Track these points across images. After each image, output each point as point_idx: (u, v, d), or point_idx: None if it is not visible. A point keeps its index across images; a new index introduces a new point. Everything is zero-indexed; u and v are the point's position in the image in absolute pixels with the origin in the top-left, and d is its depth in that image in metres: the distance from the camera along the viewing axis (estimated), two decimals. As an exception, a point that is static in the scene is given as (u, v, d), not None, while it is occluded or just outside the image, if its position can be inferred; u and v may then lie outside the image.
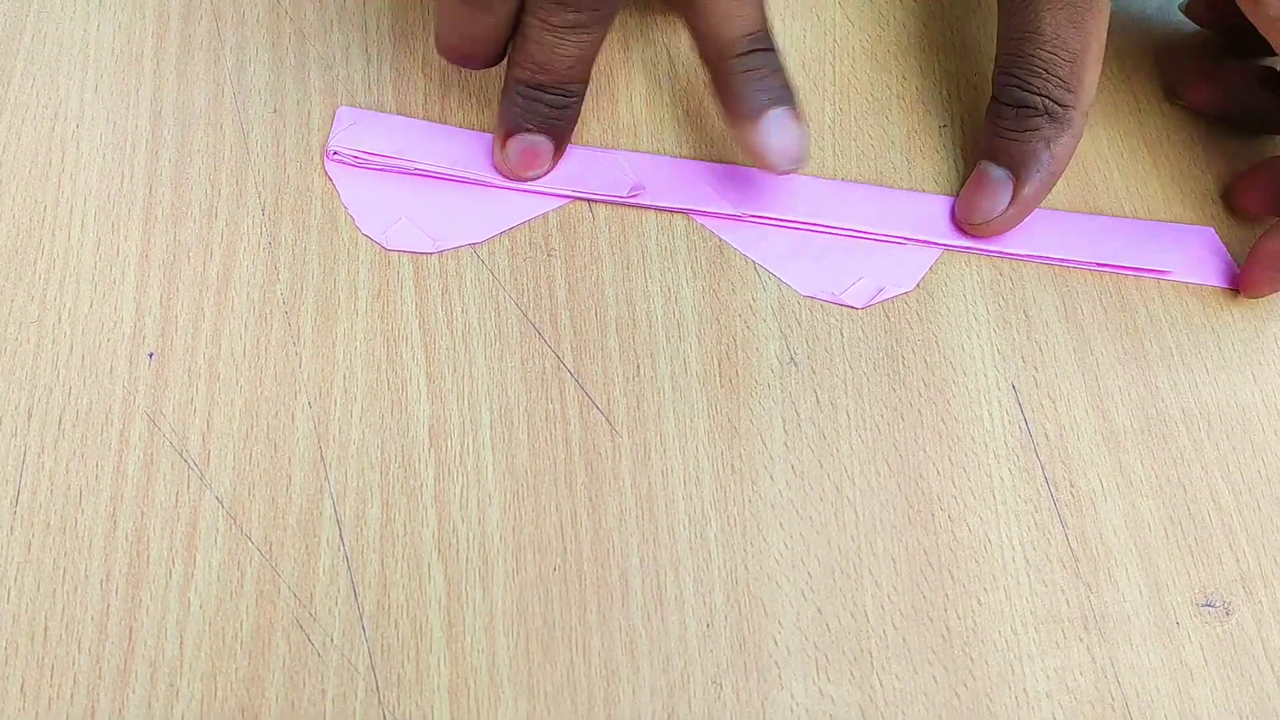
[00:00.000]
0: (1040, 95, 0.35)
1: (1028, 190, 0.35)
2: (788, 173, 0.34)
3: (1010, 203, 0.35)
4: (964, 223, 0.36)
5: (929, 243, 0.36)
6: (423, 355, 0.34)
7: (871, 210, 0.37)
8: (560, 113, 0.35)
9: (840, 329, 0.35)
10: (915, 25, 0.40)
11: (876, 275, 0.36)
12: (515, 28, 0.33)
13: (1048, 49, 0.34)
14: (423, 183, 0.36)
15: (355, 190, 0.36)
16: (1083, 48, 0.34)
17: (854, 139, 0.38)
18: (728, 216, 0.36)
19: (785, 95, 0.34)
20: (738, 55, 0.34)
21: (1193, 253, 0.37)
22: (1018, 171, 0.35)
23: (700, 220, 0.36)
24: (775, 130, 0.34)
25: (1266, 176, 0.37)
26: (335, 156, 0.36)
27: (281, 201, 0.35)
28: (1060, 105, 0.35)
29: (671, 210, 0.36)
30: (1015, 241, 0.36)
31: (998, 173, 0.36)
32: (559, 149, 0.36)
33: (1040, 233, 0.37)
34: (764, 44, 0.34)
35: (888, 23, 0.40)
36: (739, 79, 0.34)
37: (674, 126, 0.38)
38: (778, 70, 0.34)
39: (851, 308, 0.35)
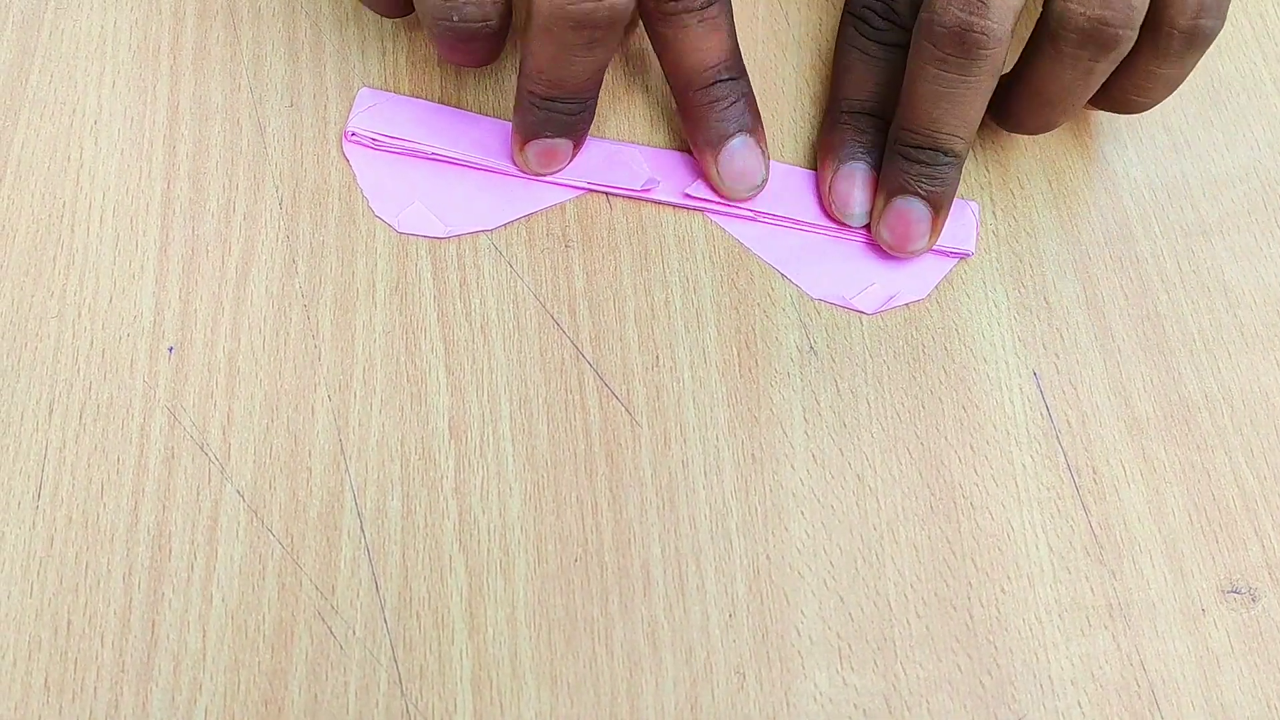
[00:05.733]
0: (953, 150, 0.34)
1: (942, 221, 0.35)
2: (745, 199, 0.36)
3: (931, 234, 0.35)
4: (896, 251, 0.35)
5: (943, 252, 0.36)
6: (442, 347, 0.34)
7: None
8: (576, 118, 0.35)
9: (860, 317, 0.35)
10: (931, 12, 0.40)
11: (889, 281, 0.36)
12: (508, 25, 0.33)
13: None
14: (438, 167, 0.36)
15: (371, 172, 0.36)
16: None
17: (871, 127, 0.38)
18: (742, 216, 0.36)
19: (746, 123, 0.35)
20: (702, 88, 0.35)
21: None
22: (939, 208, 0.35)
23: (715, 218, 0.36)
24: (734, 158, 0.35)
25: None
26: (353, 138, 0.36)
27: (299, 195, 0.35)
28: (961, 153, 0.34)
29: (687, 207, 0.36)
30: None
31: (919, 207, 0.35)
32: (577, 147, 0.36)
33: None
34: (730, 73, 0.35)
35: (904, 10, 0.40)
36: (702, 110, 0.35)
37: (690, 116, 0.38)
38: (742, 98, 0.35)
39: (862, 313, 0.35)
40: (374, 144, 0.36)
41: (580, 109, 0.34)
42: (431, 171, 0.36)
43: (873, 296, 0.35)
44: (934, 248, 0.36)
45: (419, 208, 0.36)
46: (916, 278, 0.36)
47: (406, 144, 0.36)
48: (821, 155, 0.37)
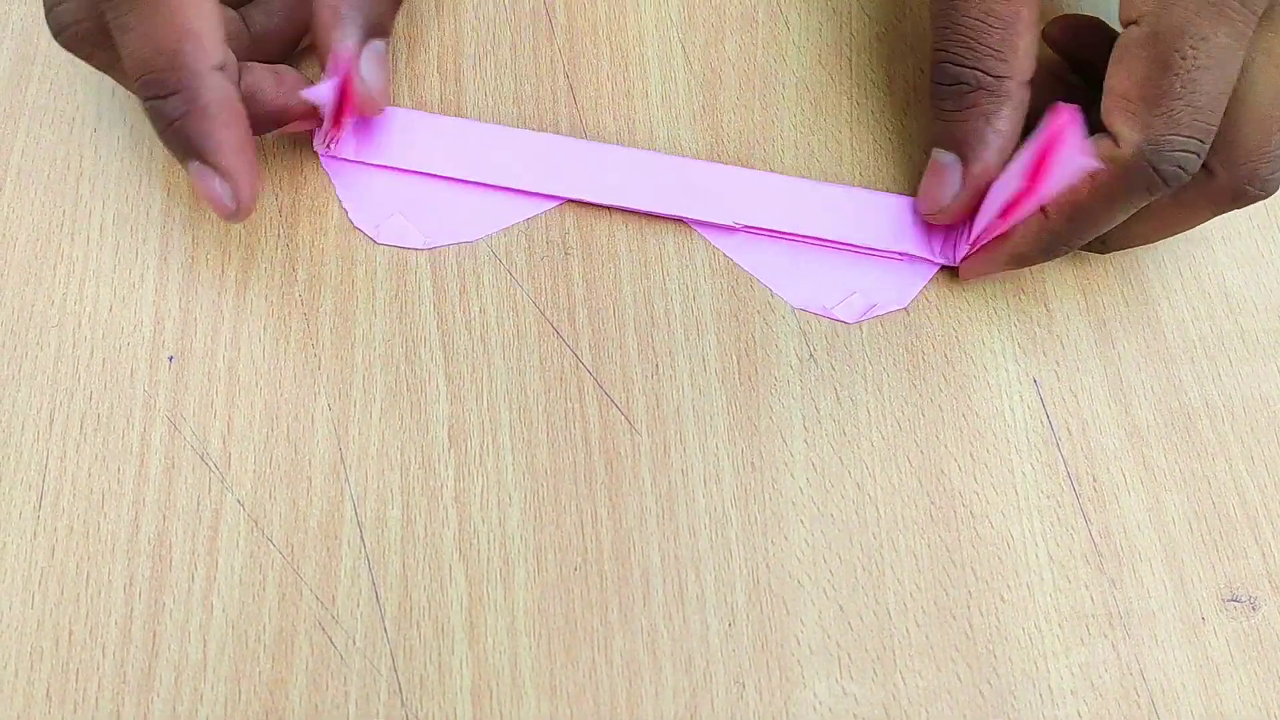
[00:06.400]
0: (972, 68, 0.32)
1: (976, 170, 0.33)
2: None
3: (961, 187, 0.33)
4: (922, 211, 0.35)
5: (926, 260, 0.36)
6: (441, 355, 0.34)
7: (871, 223, 0.36)
8: (184, 120, 0.29)
9: (859, 325, 0.35)
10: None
11: (869, 290, 0.35)
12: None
13: (974, 15, 0.32)
14: (418, 177, 0.36)
15: (350, 183, 0.36)
16: (1013, 13, 0.32)
17: (871, 132, 0.38)
18: (721, 226, 0.36)
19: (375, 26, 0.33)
20: None
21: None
22: (963, 153, 0.33)
23: (697, 228, 0.36)
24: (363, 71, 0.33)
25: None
26: (328, 152, 0.36)
27: (298, 202, 0.35)
28: (994, 76, 0.32)
29: (662, 216, 0.36)
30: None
31: (946, 157, 0.34)
32: (233, 176, 0.30)
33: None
34: None
35: (904, 14, 0.40)
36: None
37: (690, 123, 0.38)
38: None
39: (843, 323, 0.35)
40: (354, 153, 0.36)
41: (177, 103, 0.29)
42: (411, 181, 0.36)
43: (853, 306, 0.35)
44: (919, 256, 0.36)
45: (398, 219, 0.35)
46: (897, 287, 0.36)
47: (380, 165, 0.36)
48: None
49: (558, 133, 0.37)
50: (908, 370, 0.34)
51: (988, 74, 0.32)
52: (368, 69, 0.33)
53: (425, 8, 0.39)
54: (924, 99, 0.38)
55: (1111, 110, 0.31)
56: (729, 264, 0.35)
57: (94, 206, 0.35)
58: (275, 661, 0.30)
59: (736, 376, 0.34)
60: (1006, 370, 0.35)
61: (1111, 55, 0.31)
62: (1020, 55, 0.32)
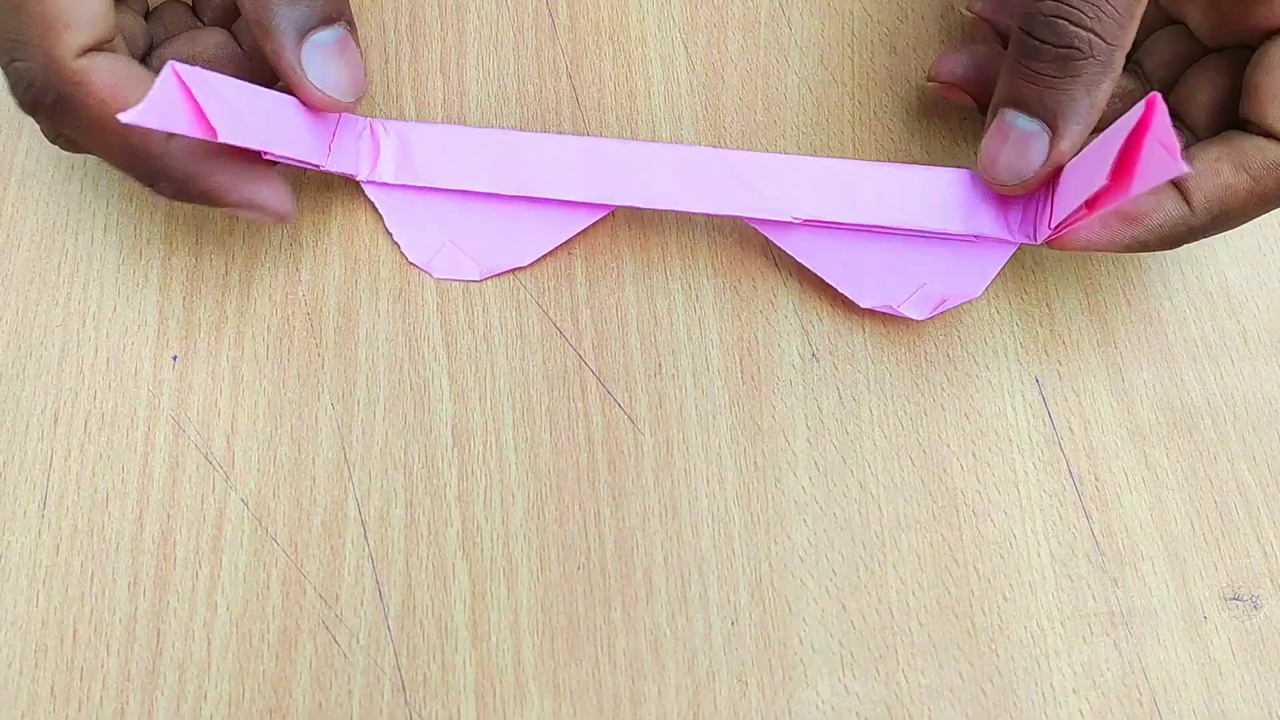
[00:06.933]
0: (1089, 31, 0.28)
1: (1065, 145, 0.30)
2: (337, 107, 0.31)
3: (1046, 160, 0.30)
4: (990, 181, 0.32)
5: (1002, 241, 0.33)
6: (444, 355, 0.34)
7: (939, 204, 0.33)
8: (180, 193, 0.30)
9: (862, 324, 0.35)
10: (933, 16, 0.40)
11: (940, 281, 0.34)
12: None
13: None
14: (467, 198, 0.34)
15: (399, 213, 0.34)
16: None
17: (873, 132, 0.38)
18: (781, 223, 0.34)
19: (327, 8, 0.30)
20: None
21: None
22: (1054, 123, 0.30)
23: (755, 225, 0.34)
24: (317, 63, 0.30)
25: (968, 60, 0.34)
26: (369, 181, 0.34)
27: (302, 201, 0.35)
28: (1109, 43, 0.28)
29: (720, 215, 0.34)
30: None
31: (1031, 125, 0.30)
32: (240, 191, 0.30)
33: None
34: None
35: (906, 14, 0.40)
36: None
37: (692, 124, 0.38)
38: None
39: (913, 320, 0.34)
40: (397, 180, 0.34)
41: (166, 182, 0.30)
42: (461, 204, 0.34)
43: (922, 301, 0.34)
44: (997, 237, 0.33)
45: (451, 250, 0.34)
46: (969, 274, 0.34)
47: (425, 186, 0.34)
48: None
49: (561, 133, 0.37)
50: (910, 369, 0.35)
51: (1104, 40, 0.29)
52: (313, 67, 0.30)
53: (428, 9, 0.39)
54: (927, 101, 0.39)
55: None
56: (731, 263, 0.36)
57: (98, 206, 0.35)
58: (279, 660, 0.30)
59: (739, 376, 0.34)
60: (1008, 369, 0.35)
61: (1268, 61, 0.30)
62: (1136, 24, 0.29)
